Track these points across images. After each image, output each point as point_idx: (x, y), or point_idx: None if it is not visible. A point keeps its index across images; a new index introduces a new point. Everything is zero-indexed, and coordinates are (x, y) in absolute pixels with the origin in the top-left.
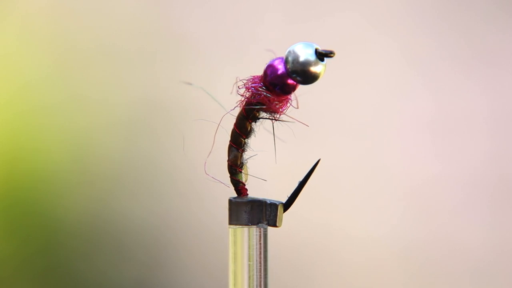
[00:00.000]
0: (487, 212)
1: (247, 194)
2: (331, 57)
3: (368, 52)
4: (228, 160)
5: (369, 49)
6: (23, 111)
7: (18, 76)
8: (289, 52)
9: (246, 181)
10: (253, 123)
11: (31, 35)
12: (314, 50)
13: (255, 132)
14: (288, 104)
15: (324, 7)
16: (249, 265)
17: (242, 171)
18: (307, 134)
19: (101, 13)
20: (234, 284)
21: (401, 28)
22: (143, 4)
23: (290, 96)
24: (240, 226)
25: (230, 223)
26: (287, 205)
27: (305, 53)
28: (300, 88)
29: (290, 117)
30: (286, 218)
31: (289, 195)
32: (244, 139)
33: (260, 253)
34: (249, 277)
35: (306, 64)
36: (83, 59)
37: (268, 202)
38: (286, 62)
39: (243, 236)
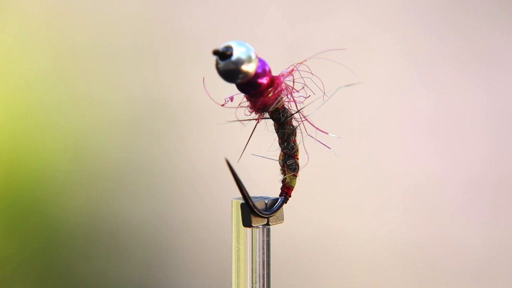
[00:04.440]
0: (487, 212)
1: (285, 196)
2: (220, 54)
3: (368, 51)
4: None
5: (369, 49)
6: (23, 111)
7: (18, 76)
8: None
9: (288, 182)
10: (286, 125)
11: (31, 35)
12: (216, 50)
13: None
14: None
15: (324, 7)
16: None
17: (290, 173)
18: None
19: (101, 12)
20: (237, 284)
21: (401, 28)
22: (143, 4)
23: (260, 93)
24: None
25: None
26: (250, 207)
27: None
28: (301, 89)
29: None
30: (287, 217)
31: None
32: (280, 141)
33: (263, 248)
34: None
35: (216, 63)
36: (83, 59)
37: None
38: None
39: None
